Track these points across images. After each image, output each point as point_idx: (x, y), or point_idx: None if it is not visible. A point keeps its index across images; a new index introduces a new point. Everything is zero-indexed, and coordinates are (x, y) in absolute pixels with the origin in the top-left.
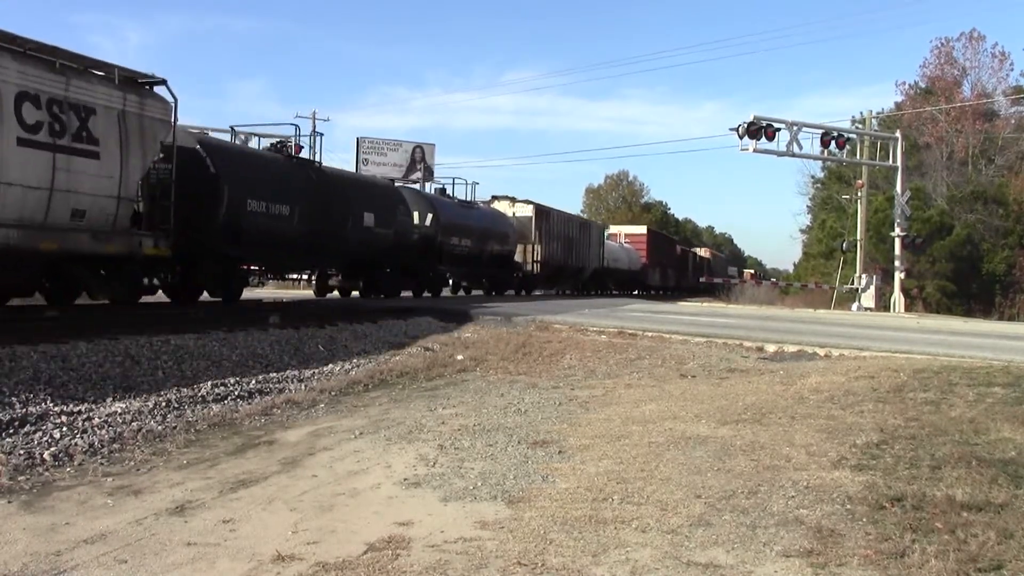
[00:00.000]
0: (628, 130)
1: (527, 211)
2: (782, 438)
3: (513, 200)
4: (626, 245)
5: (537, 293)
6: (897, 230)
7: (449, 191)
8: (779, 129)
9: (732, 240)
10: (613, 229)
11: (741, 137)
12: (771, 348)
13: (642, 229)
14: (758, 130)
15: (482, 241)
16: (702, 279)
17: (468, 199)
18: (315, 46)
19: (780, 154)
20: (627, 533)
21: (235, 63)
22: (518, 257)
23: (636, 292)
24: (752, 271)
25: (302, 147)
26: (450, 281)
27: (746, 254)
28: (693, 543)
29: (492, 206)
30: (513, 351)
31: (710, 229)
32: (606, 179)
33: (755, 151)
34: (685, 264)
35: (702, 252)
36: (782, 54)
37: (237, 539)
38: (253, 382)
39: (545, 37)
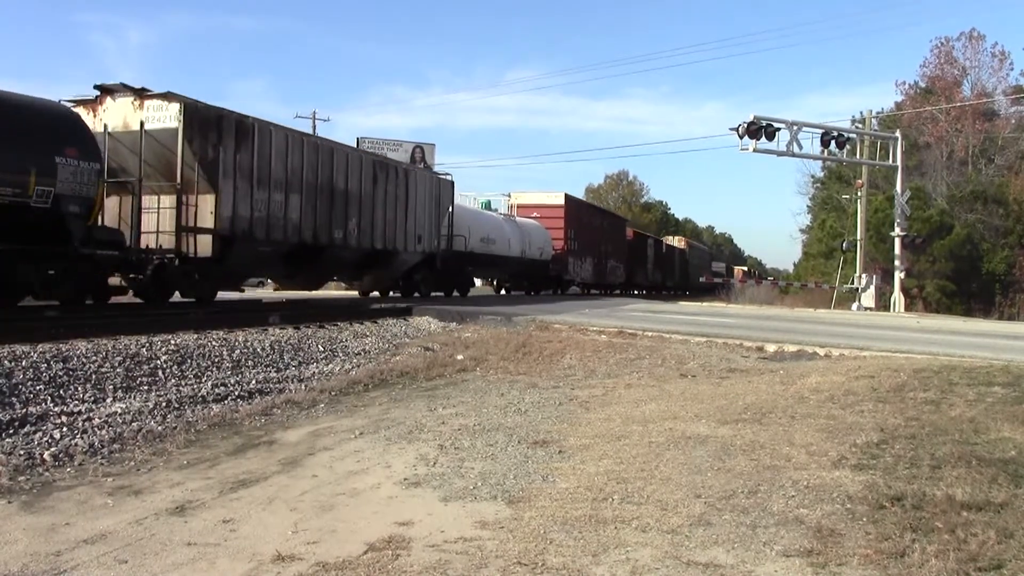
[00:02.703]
0: (629, 129)
1: (169, 113)
2: (782, 438)
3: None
4: (529, 221)
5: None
6: (897, 230)
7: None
8: (779, 129)
9: (732, 240)
10: (519, 197)
11: (741, 137)
12: (771, 348)
13: (558, 198)
14: (758, 130)
15: None
16: (668, 280)
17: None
18: (317, 45)
19: (780, 154)
20: (627, 533)
21: (236, 62)
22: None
23: (549, 291)
24: (744, 268)
25: None
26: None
27: (746, 253)
28: (693, 543)
29: None
30: (513, 351)
31: (710, 228)
32: (606, 179)
33: (755, 151)
34: (642, 255)
35: (674, 242)
36: (783, 54)
37: (237, 539)
38: (253, 382)
39: (547, 37)
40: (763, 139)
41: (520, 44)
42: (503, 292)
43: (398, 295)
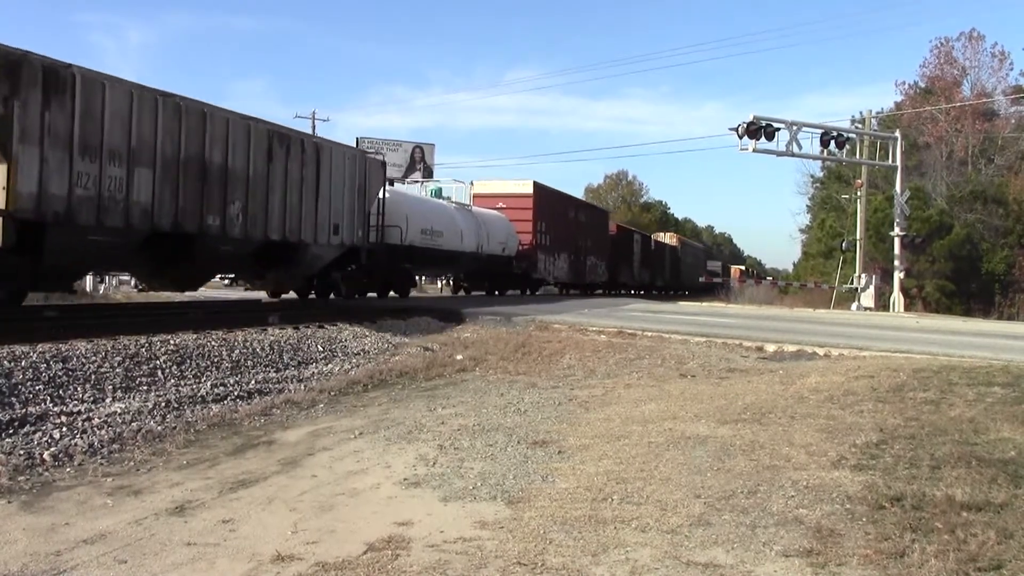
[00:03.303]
0: (629, 129)
1: None
2: (782, 438)
3: None
4: (489, 212)
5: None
6: (897, 230)
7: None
8: (779, 129)
9: (731, 239)
10: (482, 186)
11: (741, 137)
12: (771, 348)
13: (526, 187)
14: (758, 130)
15: None
16: (657, 279)
17: None
18: (317, 45)
19: (780, 154)
20: (627, 533)
21: (236, 62)
22: None
23: (518, 291)
24: (741, 267)
25: None
26: None
27: (746, 253)
28: (693, 543)
29: None
30: (513, 351)
31: (709, 228)
32: (606, 179)
33: (755, 151)
34: (627, 252)
35: (665, 239)
36: (782, 54)
37: (237, 539)
38: (252, 382)
39: (547, 37)
40: (763, 139)
41: (520, 44)
42: (461, 293)
43: (322, 298)
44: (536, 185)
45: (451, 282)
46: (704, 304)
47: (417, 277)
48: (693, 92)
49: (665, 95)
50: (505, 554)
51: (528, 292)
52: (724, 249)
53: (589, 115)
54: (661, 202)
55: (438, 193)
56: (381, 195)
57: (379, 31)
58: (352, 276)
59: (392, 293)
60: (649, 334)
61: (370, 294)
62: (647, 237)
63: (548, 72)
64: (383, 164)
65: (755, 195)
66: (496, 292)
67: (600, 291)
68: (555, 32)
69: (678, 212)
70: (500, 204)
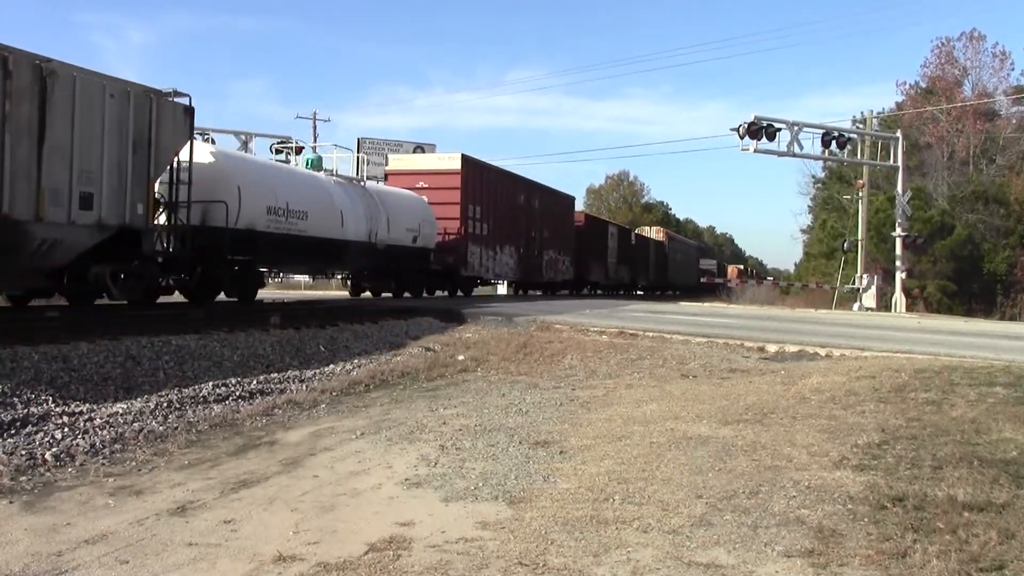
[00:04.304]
0: (630, 130)
1: None
2: (783, 438)
3: None
4: (398, 191)
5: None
6: (898, 230)
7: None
8: (780, 129)
9: (733, 240)
10: (398, 161)
11: (742, 137)
12: (772, 348)
13: (452, 161)
14: (759, 130)
15: None
16: (639, 278)
17: None
18: (317, 46)
19: (781, 154)
20: (628, 533)
21: (236, 62)
22: None
23: (445, 293)
24: (739, 267)
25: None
26: None
27: (747, 254)
28: (694, 543)
29: None
30: (514, 351)
31: (711, 228)
32: (607, 179)
33: (756, 151)
34: (599, 247)
35: (650, 233)
36: (784, 54)
37: (238, 539)
38: (254, 382)
39: (548, 36)
40: (764, 139)
41: (521, 44)
42: (358, 295)
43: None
44: (466, 159)
45: (348, 281)
46: (705, 304)
47: (278, 273)
48: (694, 92)
49: (666, 95)
50: (507, 554)
51: (459, 293)
52: (725, 249)
53: (590, 115)
54: (662, 203)
55: (315, 164)
56: (187, 156)
57: (380, 31)
58: (141, 272)
59: (223, 296)
60: (650, 335)
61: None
62: (626, 230)
63: (549, 72)
64: (187, 111)
65: (756, 196)
66: (407, 294)
67: (565, 291)
68: (556, 32)
69: (679, 213)
70: (420, 183)
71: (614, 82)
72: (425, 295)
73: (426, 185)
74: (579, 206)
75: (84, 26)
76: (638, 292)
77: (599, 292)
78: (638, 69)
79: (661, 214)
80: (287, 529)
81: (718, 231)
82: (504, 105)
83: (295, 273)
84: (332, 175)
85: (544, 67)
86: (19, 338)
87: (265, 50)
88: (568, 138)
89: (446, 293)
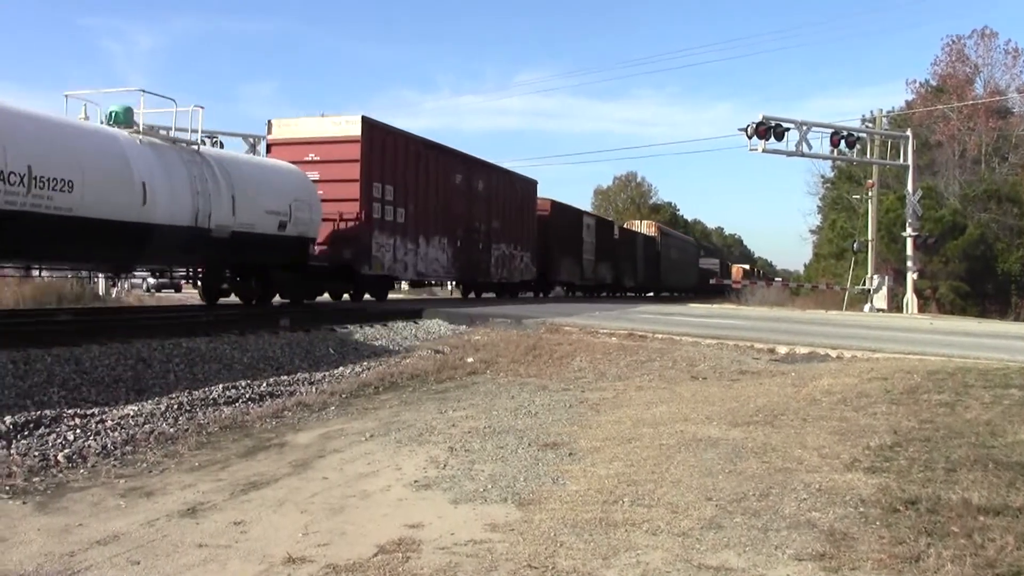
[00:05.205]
0: (638, 131)
1: None
2: (794, 440)
3: None
4: (261, 160)
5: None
6: (909, 230)
7: None
8: (788, 129)
9: (742, 241)
10: (284, 127)
11: (750, 137)
12: (783, 350)
13: (351, 125)
14: (767, 130)
15: None
16: (625, 278)
17: None
18: (325, 48)
19: (789, 154)
20: (638, 536)
21: (245, 66)
22: None
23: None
24: (744, 267)
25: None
26: None
27: (756, 255)
28: (704, 546)
29: None
30: (523, 353)
31: (719, 230)
32: (615, 180)
33: (764, 151)
34: (571, 241)
35: (640, 227)
36: (792, 54)
37: (248, 541)
38: (264, 384)
39: (555, 38)
40: (772, 139)
41: (527, 46)
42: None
43: None
44: (369, 123)
45: (199, 283)
46: (715, 306)
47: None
48: (702, 93)
49: (674, 96)
50: (516, 557)
51: (369, 297)
52: (734, 250)
53: (598, 116)
54: (670, 203)
55: (121, 118)
56: None
57: (387, 34)
58: None
59: None
60: (660, 336)
61: None
62: (606, 222)
63: (555, 74)
64: None
65: (765, 196)
66: (272, 298)
67: (530, 293)
68: (562, 34)
69: (688, 214)
70: (310, 155)
71: (621, 83)
72: (272, 302)
73: (317, 157)
74: (586, 206)
75: (91, 30)
76: (628, 294)
77: (578, 294)
78: (646, 70)
79: (669, 215)
80: (297, 531)
81: (727, 232)
82: (511, 107)
83: (56, 269)
84: (142, 133)
85: (550, 69)
86: (31, 341)
87: (273, 53)
88: (575, 140)
89: (348, 297)
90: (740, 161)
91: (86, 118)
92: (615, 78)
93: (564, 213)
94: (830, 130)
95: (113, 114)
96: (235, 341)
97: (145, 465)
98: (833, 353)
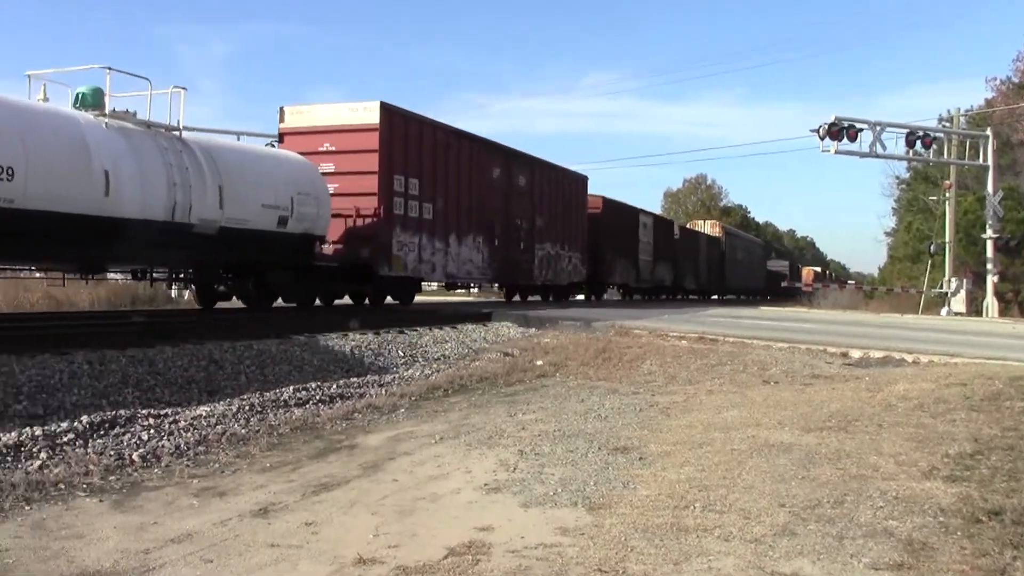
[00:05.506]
0: (705, 133)
1: None
2: (869, 447)
3: None
4: (256, 149)
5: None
6: (989, 232)
7: None
8: (861, 129)
9: (814, 243)
10: (297, 114)
11: (822, 138)
12: (856, 354)
13: (368, 113)
14: (840, 131)
15: None
16: (685, 280)
17: None
18: (395, 54)
19: (863, 155)
20: (709, 542)
21: (319, 71)
22: None
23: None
24: (816, 269)
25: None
26: None
27: (828, 257)
28: (777, 553)
29: None
30: (593, 356)
31: (791, 232)
32: (684, 182)
33: (836, 152)
34: (627, 241)
35: (703, 227)
36: (862, 53)
37: (319, 541)
38: (334, 387)
39: (621, 41)
40: (845, 140)
41: (593, 50)
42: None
43: None
44: (389, 110)
45: (193, 286)
46: (786, 309)
47: None
48: (769, 94)
49: (741, 97)
50: (586, 561)
51: (391, 300)
52: (806, 253)
53: (664, 118)
54: (741, 206)
55: (89, 100)
56: None
57: (455, 36)
58: None
59: None
60: (731, 339)
61: None
62: (665, 221)
63: (622, 76)
64: None
65: (839, 198)
66: (272, 302)
67: (580, 295)
68: (628, 36)
69: (759, 216)
70: (325, 144)
71: (687, 85)
72: (268, 307)
73: (333, 148)
74: (655, 209)
75: (167, 38)
76: (690, 296)
77: (635, 297)
78: (713, 72)
79: (740, 217)
80: (367, 532)
81: (799, 235)
82: (577, 110)
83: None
84: (109, 116)
85: (617, 71)
86: (107, 342)
87: (345, 59)
88: (642, 141)
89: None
90: (812, 162)
91: (45, 99)
92: (680, 80)
93: (618, 211)
94: (905, 130)
95: (80, 96)
96: (305, 343)
97: (217, 465)
98: (909, 357)
